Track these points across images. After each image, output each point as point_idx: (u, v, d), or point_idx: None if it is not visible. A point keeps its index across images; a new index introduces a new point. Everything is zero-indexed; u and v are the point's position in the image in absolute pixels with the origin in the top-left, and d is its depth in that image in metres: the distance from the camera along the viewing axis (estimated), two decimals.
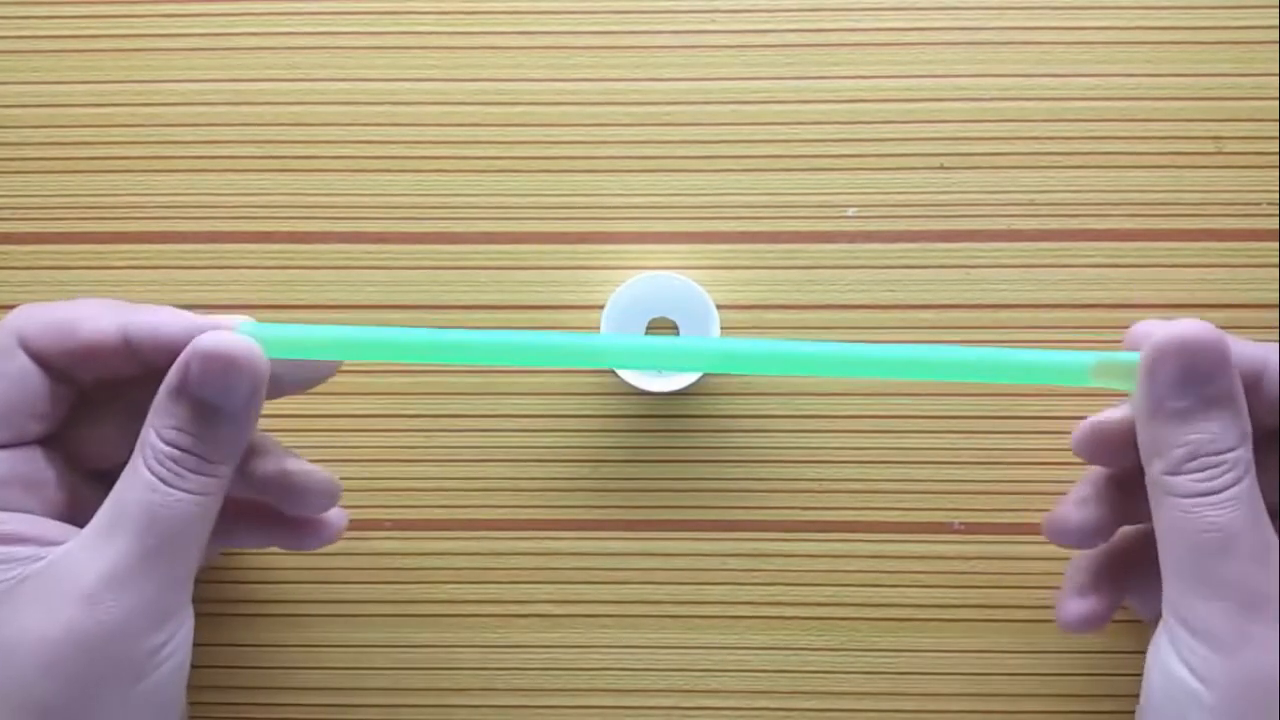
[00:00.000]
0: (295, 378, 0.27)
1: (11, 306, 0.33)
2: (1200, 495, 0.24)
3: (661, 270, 0.33)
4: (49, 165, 0.34)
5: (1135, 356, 0.25)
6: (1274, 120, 0.33)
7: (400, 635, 0.33)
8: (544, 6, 0.34)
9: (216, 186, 0.34)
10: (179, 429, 0.24)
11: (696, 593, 0.33)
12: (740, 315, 0.33)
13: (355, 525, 0.33)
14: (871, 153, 0.33)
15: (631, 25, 0.34)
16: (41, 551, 0.24)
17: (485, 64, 0.34)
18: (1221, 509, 0.24)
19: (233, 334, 0.25)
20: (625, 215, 0.34)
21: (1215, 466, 0.24)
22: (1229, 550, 0.23)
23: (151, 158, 0.34)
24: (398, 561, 0.33)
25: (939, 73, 0.34)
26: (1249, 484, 0.24)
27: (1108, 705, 0.33)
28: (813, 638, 0.33)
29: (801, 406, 0.33)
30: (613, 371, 0.32)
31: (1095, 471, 0.29)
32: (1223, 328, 0.33)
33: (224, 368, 0.25)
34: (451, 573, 0.33)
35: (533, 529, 0.33)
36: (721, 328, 0.32)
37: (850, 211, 0.33)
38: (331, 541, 0.29)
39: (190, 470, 0.24)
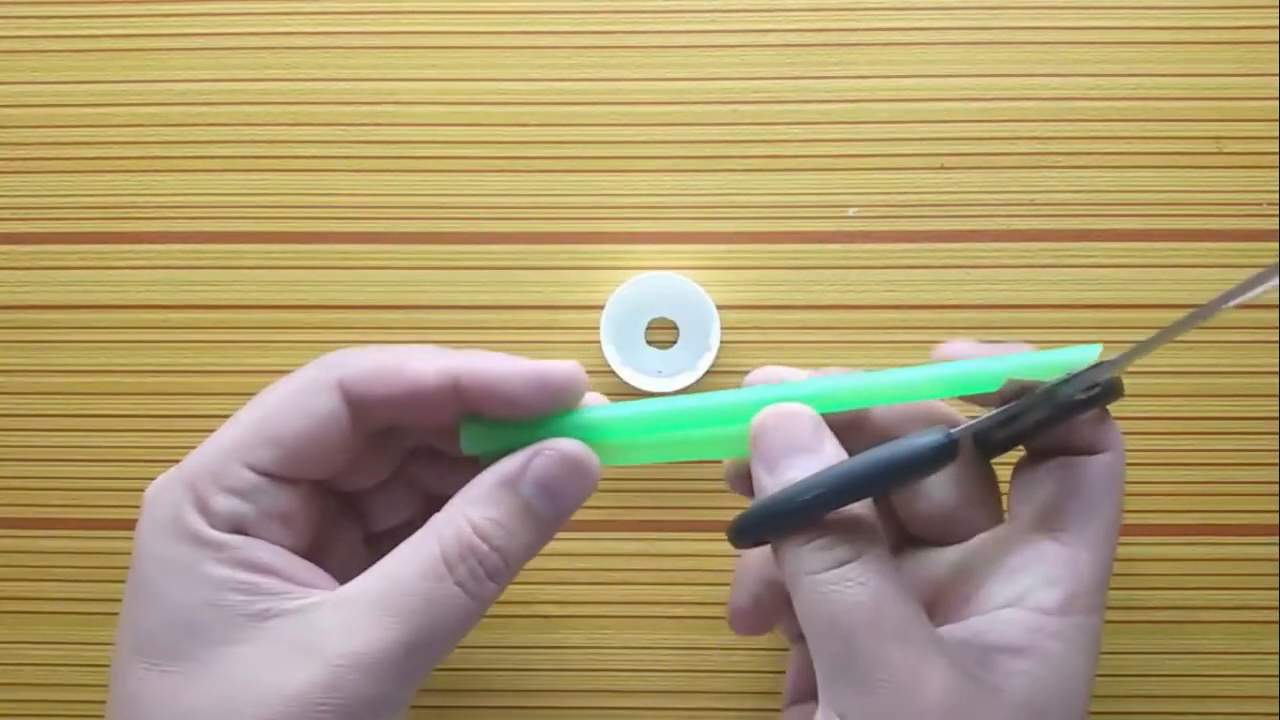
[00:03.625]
0: None
1: (11, 307, 0.34)
2: (831, 569, 0.22)
3: (661, 270, 0.33)
4: (49, 165, 0.34)
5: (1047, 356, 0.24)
6: (1274, 120, 0.33)
7: None
8: (544, 6, 0.34)
9: (216, 186, 0.34)
10: (500, 524, 0.23)
11: (696, 593, 0.33)
12: (740, 315, 0.33)
13: None
14: (871, 153, 0.33)
15: (631, 25, 0.34)
16: (293, 591, 0.23)
17: (485, 64, 0.34)
18: (855, 584, 0.22)
19: (582, 444, 0.24)
20: (625, 215, 0.34)
21: (839, 536, 0.23)
22: (872, 631, 0.22)
23: (151, 158, 0.34)
24: None
25: (939, 73, 0.34)
26: (880, 553, 0.23)
27: (1105, 705, 0.33)
28: None
29: None
30: (612, 372, 0.32)
31: (746, 564, 0.28)
32: (1222, 328, 0.33)
33: (576, 474, 0.23)
34: None
35: None
36: (722, 327, 0.32)
37: (851, 211, 0.33)
38: None
39: (488, 574, 0.23)
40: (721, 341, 0.32)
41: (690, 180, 0.34)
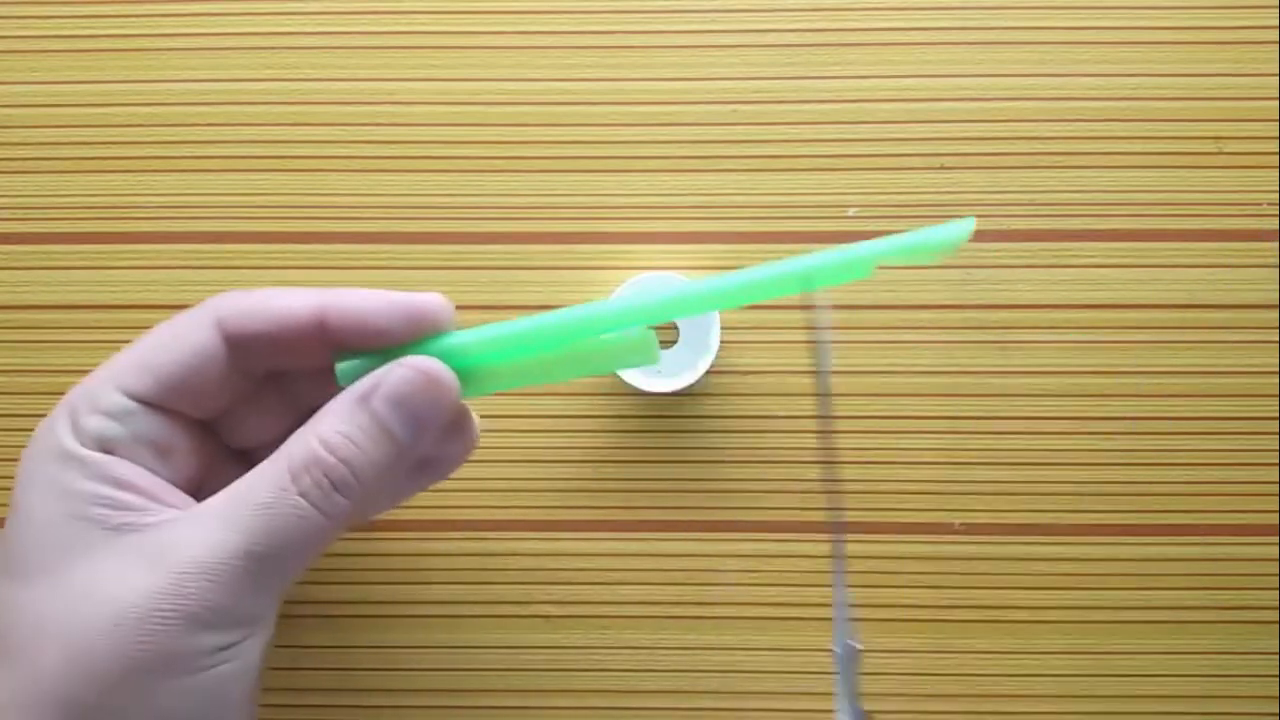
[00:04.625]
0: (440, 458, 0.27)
1: (11, 307, 0.34)
2: None
3: (661, 270, 0.33)
4: (49, 165, 0.34)
5: (913, 238, 0.24)
6: (1274, 120, 0.33)
7: (400, 636, 0.33)
8: (544, 6, 0.34)
9: (216, 186, 0.34)
10: (349, 439, 0.23)
11: (696, 593, 0.33)
12: (740, 315, 0.33)
13: (355, 526, 0.33)
14: (871, 153, 0.33)
15: (632, 25, 0.34)
16: (153, 508, 0.23)
17: (485, 64, 0.34)
18: None
19: (442, 365, 0.24)
20: (625, 215, 0.34)
21: None
22: None
23: (151, 158, 0.34)
24: (398, 562, 0.33)
25: (939, 73, 0.34)
26: None
27: (1105, 705, 0.33)
28: (812, 638, 0.33)
29: (802, 407, 0.33)
30: (614, 372, 0.32)
31: None
32: (1222, 328, 0.33)
33: (431, 389, 0.24)
34: (451, 573, 0.33)
35: (533, 529, 0.33)
36: (721, 327, 0.32)
37: (850, 211, 0.33)
38: (471, 449, 0.28)
39: (334, 486, 0.23)
40: (721, 341, 0.32)
41: (690, 180, 0.34)
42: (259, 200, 0.34)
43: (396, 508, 0.33)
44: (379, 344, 0.25)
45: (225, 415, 0.27)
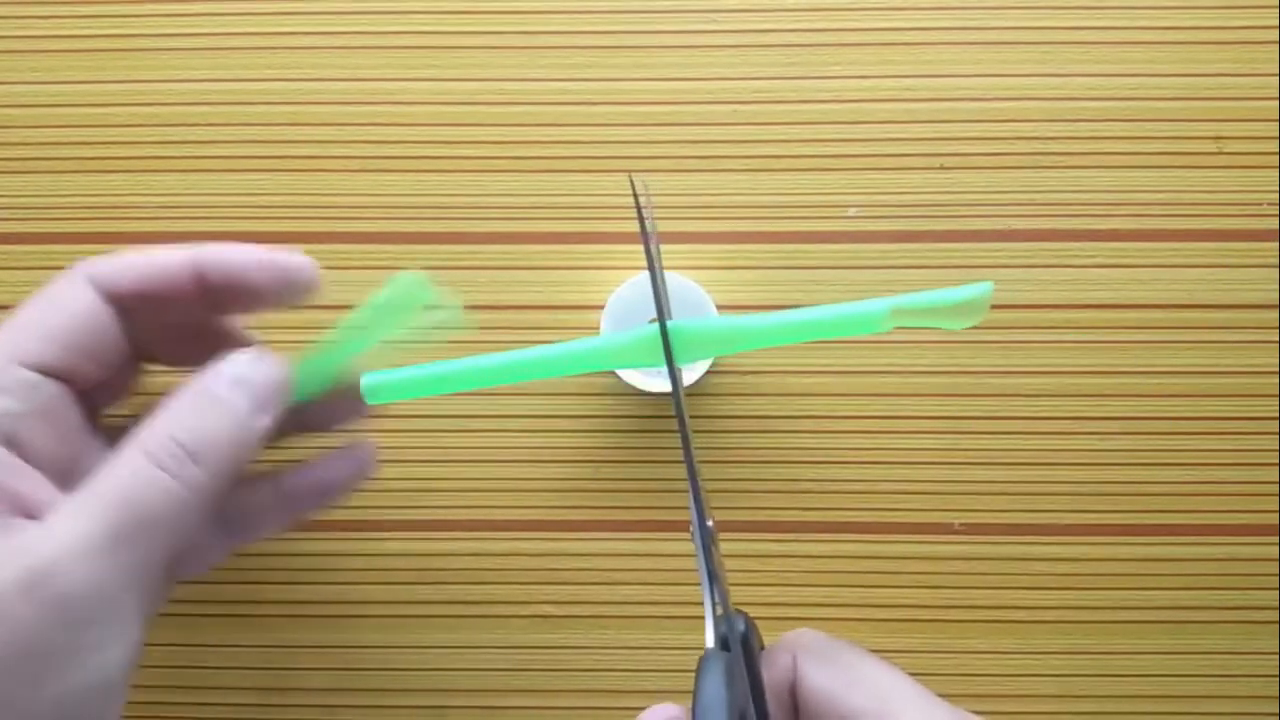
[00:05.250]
0: (322, 416, 0.28)
1: (12, 306, 0.34)
2: None
3: (661, 270, 0.33)
4: (49, 165, 0.34)
5: (930, 296, 0.25)
6: (1274, 120, 0.33)
7: (400, 636, 0.33)
8: (544, 6, 0.34)
9: (216, 186, 0.34)
10: (197, 411, 0.24)
11: (696, 593, 0.33)
12: (740, 315, 0.33)
13: (356, 526, 0.33)
14: (871, 153, 0.33)
15: (631, 25, 0.34)
16: (14, 512, 0.23)
17: (485, 64, 0.34)
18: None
19: (273, 354, 0.26)
20: (625, 215, 0.34)
21: None
22: None
23: (151, 158, 0.34)
24: (398, 562, 0.33)
25: (939, 73, 0.34)
26: None
27: (1107, 705, 0.33)
28: None
29: (801, 407, 0.33)
30: (613, 372, 0.32)
31: None
32: (1222, 328, 0.33)
33: (265, 368, 0.25)
34: (451, 573, 0.33)
35: (533, 529, 0.33)
36: None
37: (851, 211, 0.33)
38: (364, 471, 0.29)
39: (189, 456, 0.24)
40: None
41: (690, 180, 0.34)
42: (259, 200, 0.34)
43: (405, 509, 0.33)
44: (253, 301, 0.27)
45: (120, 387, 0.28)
